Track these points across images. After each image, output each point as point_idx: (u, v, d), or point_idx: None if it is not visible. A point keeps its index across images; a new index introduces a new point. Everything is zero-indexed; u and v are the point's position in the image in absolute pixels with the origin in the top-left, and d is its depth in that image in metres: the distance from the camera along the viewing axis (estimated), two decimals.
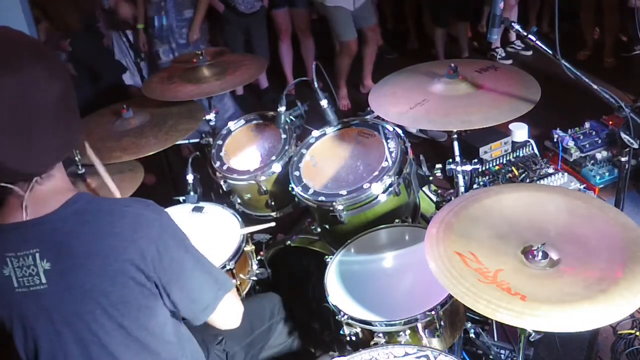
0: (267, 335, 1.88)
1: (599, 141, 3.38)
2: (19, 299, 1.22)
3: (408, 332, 1.60)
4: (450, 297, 1.60)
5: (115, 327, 1.23)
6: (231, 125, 2.41)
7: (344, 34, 4.30)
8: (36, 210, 1.20)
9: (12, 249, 1.20)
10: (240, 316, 1.42)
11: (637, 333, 2.35)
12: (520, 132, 3.35)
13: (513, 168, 3.25)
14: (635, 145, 1.59)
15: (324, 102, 2.16)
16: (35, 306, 1.22)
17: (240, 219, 2.10)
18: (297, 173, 2.06)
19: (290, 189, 2.03)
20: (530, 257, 1.34)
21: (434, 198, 2.35)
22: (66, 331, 1.23)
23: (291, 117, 2.29)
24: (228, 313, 1.38)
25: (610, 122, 3.47)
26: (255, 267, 2.10)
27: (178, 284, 1.25)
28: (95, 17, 3.77)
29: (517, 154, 3.34)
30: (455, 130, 1.96)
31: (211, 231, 2.08)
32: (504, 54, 5.09)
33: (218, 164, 2.26)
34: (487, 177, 3.23)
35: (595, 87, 1.60)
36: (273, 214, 2.31)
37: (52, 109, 1.13)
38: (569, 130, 3.47)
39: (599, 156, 3.32)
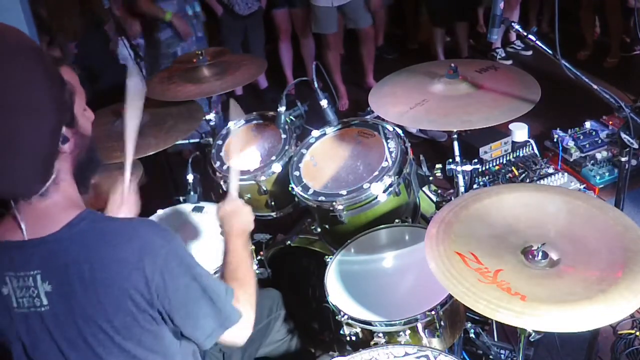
0: (264, 333, 1.87)
1: (599, 141, 3.38)
2: (18, 319, 1.19)
3: (408, 332, 1.60)
4: (450, 297, 1.60)
5: (118, 349, 1.20)
6: (231, 125, 2.41)
7: (320, 27, 4.35)
8: (37, 229, 1.16)
9: (11, 268, 1.16)
10: (246, 338, 1.37)
11: (637, 333, 2.35)
12: (520, 132, 3.35)
13: (513, 168, 3.25)
14: (635, 145, 1.59)
15: (324, 102, 2.16)
16: (37, 327, 1.19)
17: None
18: (297, 173, 2.06)
19: (290, 189, 2.03)
20: (530, 257, 1.34)
21: (434, 198, 2.35)
22: (69, 352, 1.20)
23: (291, 117, 2.29)
24: (233, 338, 1.34)
25: (610, 122, 3.47)
26: (255, 267, 2.10)
27: (181, 312, 1.22)
28: (102, 18, 3.74)
29: (517, 154, 3.34)
30: (455, 130, 1.96)
31: (211, 231, 2.08)
32: (504, 54, 5.09)
33: (218, 164, 2.26)
34: (487, 177, 3.23)
35: (595, 87, 1.60)
36: (273, 214, 2.31)
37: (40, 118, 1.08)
38: (569, 130, 3.46)
39: (599, 156, 3.32)
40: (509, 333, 2.26)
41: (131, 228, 1.20)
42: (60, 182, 1.17)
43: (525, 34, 1.66)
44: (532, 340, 1.54)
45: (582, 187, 3.18)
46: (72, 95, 1.17)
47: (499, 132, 3.28)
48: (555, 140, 3.43)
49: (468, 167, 2.05)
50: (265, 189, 2.18)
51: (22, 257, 1.16)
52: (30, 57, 1.08)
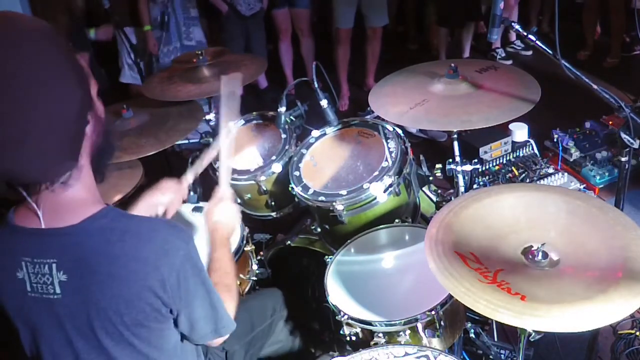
0: (267, 333, 1.88)
1: (599, 141, 3.38)
2: (30, 303, 1.21)
3: (408, 332, 1.60)
4: (450, 297, 1.60)
5: (125, 344, 1.22)
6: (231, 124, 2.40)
7: (338, 21, 4.37)
8: (56, 219, 1.16)
9: (28, 254, 1.18)
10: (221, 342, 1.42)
11: (637, 333, 2.35)
12: (520, 132, 3.35)
13: (513, 168, 3.25)
14: (635, 145, 1.59)
15: (324, 102, 2.16)
16: (47, 313, 1.21)
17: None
18: (297, 173, 2.06)
19: (290, 189, 2.04)
20: (530, 257, 1.34)
21: (434, 198, 2.35)
22: (76, 340, 1.22)
23: (291, 117, 2.29)
24: (215, 343, 1.39)
25: (610, 122, 3.47)
26: (255, 267, 2.10)
27: (185, 311, 1.25)
28: (83, 22, 3.75)
29: (517, 154, 3.34)
30: (455, 130, 1.96)
31: None
32: (504, 54, 5.09)
33: (218, 164, 2.26)
34: (487, 177, 3.23)
35: (595, 87, 1.60)
36: (273, 214, 2.31)
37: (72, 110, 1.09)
38: (569, 130, 3.47)
39: (599, 156, 3.32)
40: (509, 333, 2.26)
41: (152, 228, 1.20)
42: (82, 168, 1.17)
43: (525, 34, 1.66)
44: (532, 340, 1.54)
45: (582, 187, 3.18)
46: (89, 77, 1.17)
47: (499, 132, 3.28)
48: (555, 140, 3.43)
49: (468, 167, 2.04)
50: (265, 189, 2.18)
51: (39, 244, 1.17)
52: (45, 37, 1.07)
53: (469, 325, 1.95)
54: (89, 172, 1.21)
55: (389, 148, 1.98)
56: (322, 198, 1.94)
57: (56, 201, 1.16)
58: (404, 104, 1.91)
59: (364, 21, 4.41)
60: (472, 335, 1.99)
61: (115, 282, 1.15)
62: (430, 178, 2.15)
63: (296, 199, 2.05)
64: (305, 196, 1.97)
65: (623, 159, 1.69)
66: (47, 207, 1.16)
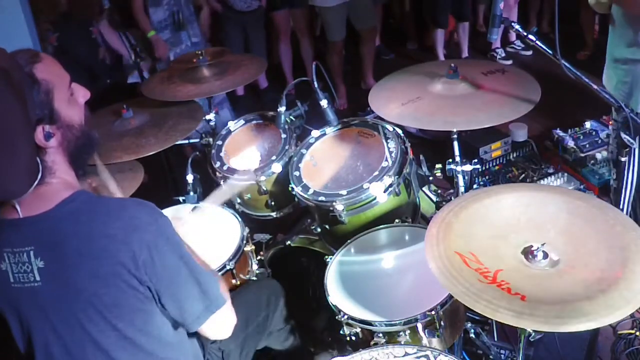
0: (263, 326, 1.85)
1: (599, 141, 3.38)
2: (15, 294, 1.23)
3: (408, 332, 1.60)
4: (450, 297, 1.60)
5: (109, 327, 1.23)
6: (231, 125, 2.41)
7: (332, 35, 4.45)
8: (33, 208, 1.20)
9: (8, 245, 1.21)
10: (231, 329, 1.40)
11: (637, 333, 2.35)
12: (520, 132, 3.35)
13: (513, 168, 3.25)
14: (635, 145, 1.59)
15: (324, 102, 2.16)
16: (31, 302, 1.23)
17: (240, 219, 2.10)
18: (297, 173, 2.06)
19: (290, 189, 2.04)
20: (530, 257, 1.34)
21: (434, 198, 2.35)
22: (61, 328, 1.24)
23: (291, 117, 2.29)
24: (218, 327, 1.37)
25: (610, 122, 3.47)
26: (255, 267, 2.10)
27: (168, 291, 1.24)
28: (90, 22, 3.72)
29: (517, 154, 3.34)
30: (455, 130, 1.96)
31: (211, 231, 2.08)
32: (504, 54, 5.09)
33: (218, 164, 2.26)
34: (487, 177, 3.23)
35: (595, 87, 1.60)
36: (273, 214, 2.31)
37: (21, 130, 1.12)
38: (569, 130, 3.46)
39: (599, 156, 3.31)
40: (509, 333, 2.26)
41: (120, 206, 1.23)
42: (56, 172, 1.22)
43: (525, 34, 1.66)
44: (532, 340, 1.54)
45: (582, 187, 3.17)
46: (49, 92, 1.18)
47: (499, 132, 3.28)
48: (555, 140, 3.43)
49: (468, 167, 2.04)
50: (265, 189, 2.18)
51: (17, 233, 1.20)
52: None
53: (469, 325, 1.96)
54: (66, 170, 1.25)
55: (389, 148, 1.98)
56: (322, 198, 1.94)
57: (33, 194, 1.20)
58: (398, 100, 1.90)
59: (354, 25, 4.48)
60: (472, 335, 1.99)
61: (87, 262, 1.17)
62: (430, 178, 2.15)
63: (296, 199, 2.05)
64: (305, 196, 1.97)
65: (623, 159, 1.69)
66: (24, 200, 1.20)
